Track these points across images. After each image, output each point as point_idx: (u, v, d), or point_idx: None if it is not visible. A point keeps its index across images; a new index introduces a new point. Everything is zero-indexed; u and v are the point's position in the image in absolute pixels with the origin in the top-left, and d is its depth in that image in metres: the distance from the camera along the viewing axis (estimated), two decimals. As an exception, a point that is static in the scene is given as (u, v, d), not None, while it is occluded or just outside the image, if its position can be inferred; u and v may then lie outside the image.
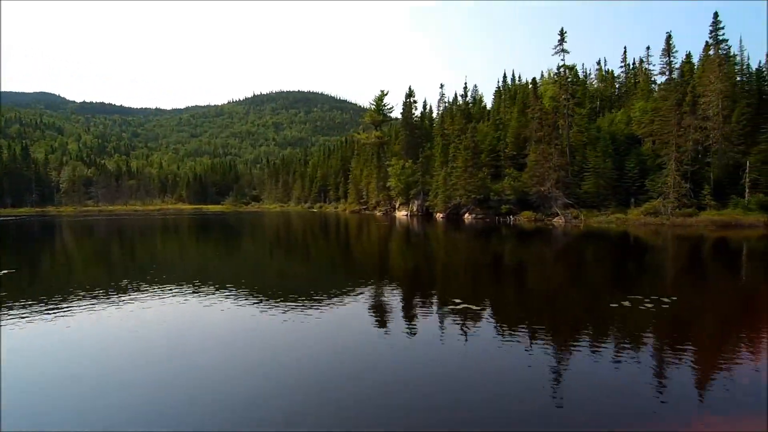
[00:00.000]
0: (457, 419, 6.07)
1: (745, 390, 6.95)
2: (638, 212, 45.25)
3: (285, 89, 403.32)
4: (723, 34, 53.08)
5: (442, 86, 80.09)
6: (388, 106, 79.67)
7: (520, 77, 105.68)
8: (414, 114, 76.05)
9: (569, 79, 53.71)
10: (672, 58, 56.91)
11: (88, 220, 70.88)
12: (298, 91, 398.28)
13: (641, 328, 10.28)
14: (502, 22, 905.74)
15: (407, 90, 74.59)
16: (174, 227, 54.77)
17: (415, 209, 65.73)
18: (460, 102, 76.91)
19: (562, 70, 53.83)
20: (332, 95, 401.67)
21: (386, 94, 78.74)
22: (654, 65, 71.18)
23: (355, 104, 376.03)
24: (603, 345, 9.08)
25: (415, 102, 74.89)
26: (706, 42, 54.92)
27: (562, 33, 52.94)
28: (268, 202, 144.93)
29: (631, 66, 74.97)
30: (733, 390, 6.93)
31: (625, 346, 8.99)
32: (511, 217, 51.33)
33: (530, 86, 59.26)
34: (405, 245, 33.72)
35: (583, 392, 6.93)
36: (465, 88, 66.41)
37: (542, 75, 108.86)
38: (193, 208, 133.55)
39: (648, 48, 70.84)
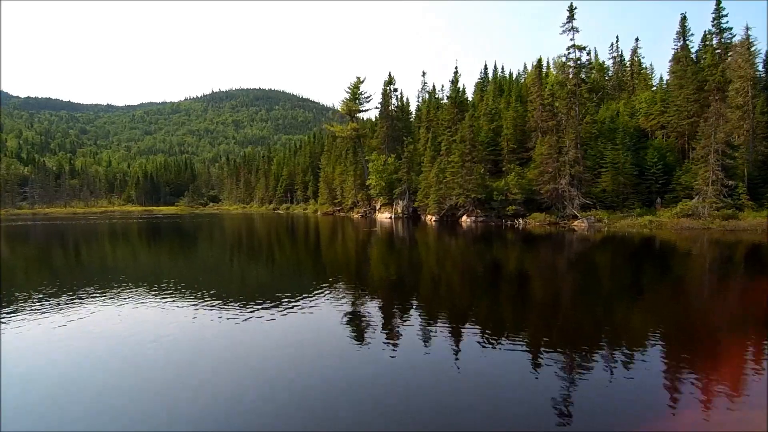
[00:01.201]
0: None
1: (745, 390, 7.19)
2: (671, 214, 38.63)
3: (245, 86, 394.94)
4: (726, 22, 48.96)
5: (424, 74, 71.60)
6: (366, 95, 70.90)
7: (503, 68, 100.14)
8: (393, 104, 67.73)
9: (580, 61, 46.71)
10: (688, 42, 51.27)
11: (10, 226, 58.94)
12: (259, 88, 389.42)
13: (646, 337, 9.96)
14: (476, 15, 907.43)
15: (386, 77, 66.28)
16: (111, 235, 44.32)
17: (399, 211, 57.43)
18: (448, 90, 69.24)
19: (571, 50, 46.79)
20: (294, 94, 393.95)
21: (363, 81, 69.96)
22: (644, 57, 67.15)
23: (318, 103, 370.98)
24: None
25: (395, 91, 66.64)
26: (708, 30, 50.07)
27: (571, 9, 45.88)
28: (228, 202, 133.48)
29: (618, 57, 69.56)
30: (734, 390, 7.14)
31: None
32: (520, 220, 43.80)
33: (535, 69, 51.94)
34: (400, 257, 26.46)
35: (583, 404, 6.67)
36: (455, 73, 58.01)
37: (525, 66, 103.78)
38: (143, 210, 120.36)
39: (637, 39, 65.88)
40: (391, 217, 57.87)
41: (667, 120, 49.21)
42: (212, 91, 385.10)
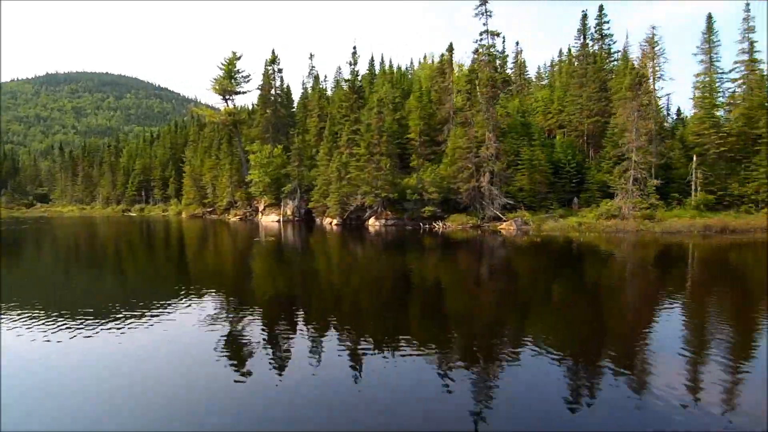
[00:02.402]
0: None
1: (740, 389, 6.89)
2: (594, 215, 35.94)
3: (88, 70, 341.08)
4: (608, 29, 49.60)
5: (311, 57, 62.86)
6: (244, 74, 59.70)
7: (390, 62, 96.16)
8: (277, 87, 58.07)
9: (494, 48, 42.66)
10: (588, 41, 50.54)
11: None
12: (106, 73, 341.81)
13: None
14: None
15: (270, 55, 56.37)
16: None
17: (289, 213, 48.20)
18: (332, 81, 61.81)
19: (484, 36, 42.43)
20: (150, 82, 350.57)
21: (239, 58, 58.72)
22: (525, 59, 68.75)
23: (178, 93, 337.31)
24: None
25: (280, 71, 57.06)
26: (590, 36, 50.29)
27: (484, -10, 41.56)
28: (61, 203, 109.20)
29: (503, 59, 69.25)
30: (728, 390, 6.81)
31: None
32: (439, 223, 37.87)
33: (446, 55, 46.75)
34: (291, 268, 22.26)
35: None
36: (354, 54, 50.22)
37: (411, 62, 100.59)
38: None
39: (517, 43, 66.10)
40: (279, 220, 48.39)
41: (567, 119, 47.90)
42: (47, 73, 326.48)
